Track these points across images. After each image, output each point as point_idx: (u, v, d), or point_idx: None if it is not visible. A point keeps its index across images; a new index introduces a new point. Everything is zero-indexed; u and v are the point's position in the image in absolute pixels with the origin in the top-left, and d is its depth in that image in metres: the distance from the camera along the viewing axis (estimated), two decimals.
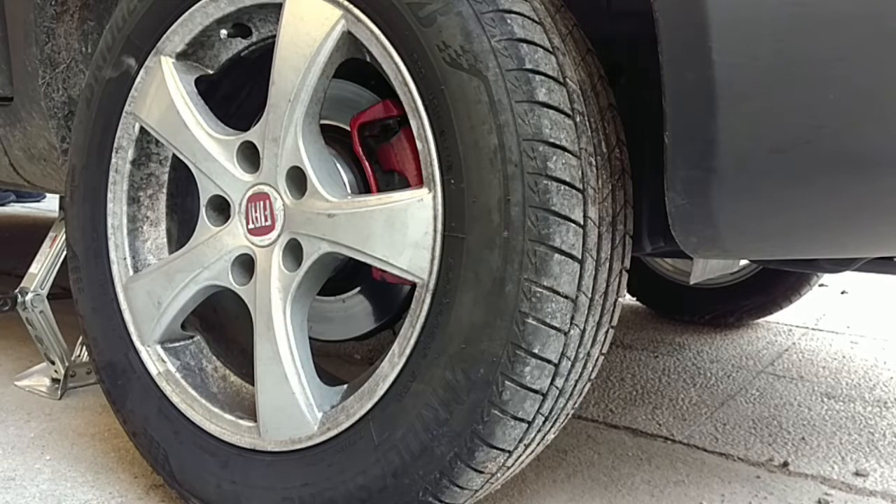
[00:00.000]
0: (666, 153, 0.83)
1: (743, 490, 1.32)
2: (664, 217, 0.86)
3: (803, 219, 0.83)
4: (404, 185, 1.06)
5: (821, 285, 3.00)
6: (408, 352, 0.95)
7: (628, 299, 2.58)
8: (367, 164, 1.09)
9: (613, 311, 1.01)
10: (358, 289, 1.22)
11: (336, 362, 1.94)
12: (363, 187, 1.10)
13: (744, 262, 2.20)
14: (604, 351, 1.03)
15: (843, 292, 2.98)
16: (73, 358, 1.68)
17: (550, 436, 1.03)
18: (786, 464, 1.42)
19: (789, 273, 2.24)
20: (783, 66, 0.77)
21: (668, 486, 1.32)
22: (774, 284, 2.30)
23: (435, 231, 0.92)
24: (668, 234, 0.93)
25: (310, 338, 1.09)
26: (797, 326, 2.46)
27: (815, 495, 1.31)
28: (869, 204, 0.81)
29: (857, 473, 1.40)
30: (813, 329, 2.44)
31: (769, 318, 2.47)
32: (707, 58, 0.77)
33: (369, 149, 1.10)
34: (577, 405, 1.03)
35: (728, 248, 0.87)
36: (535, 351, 0.89)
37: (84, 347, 1.68)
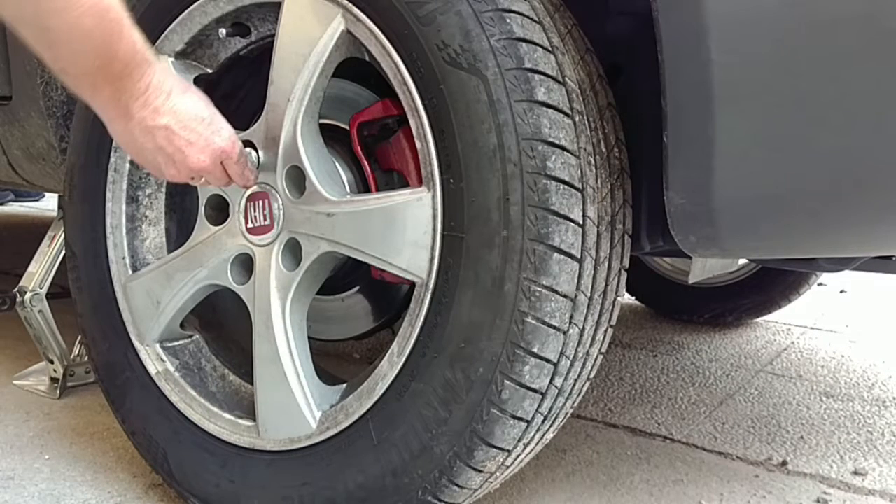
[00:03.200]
0: (666, 153, 0.83)
1: (742, 489, 1.32)
2: (663, 216, 0.86)
3: (803, 218, 0.83)
4: (403, 184, 1.06)
5: (819, 284, 2.99)
6: (407, 351, 0.95)
7: (628, 299, 2.58)
8: (366, 163, 1.09)
9: (612, 310, 1.01)
10: (357, 288, 1.22)
11: (335, 362, 1.93)
12: (362, 186, 1.10)
13: (743, 261, 2.20)
14: (603, 350, 1.03)
15: (841, 291, 2.98)
16: (71, 357, 1.67)
17: (549, 435, 1.03)
18: (784, 463, 1.42)
19: (788, 272, 2.24)
20: (783, 65, 0.77)
21: (666, 485, 1.32)
22: (773, 284, 2.30)
23: (434, 230, 0.92)
24: (667, 233, 0.93)
25: (309, 337, 1.09)
26: (796, 325, 2.46)
27: (814, 494, 1.31)
28: (869, 203, 0.81)
29: (855, 472, 1.40)
30: (812, 328, 2.44)
31: (768, 317, 2.47)
32: (707, 58, 0.77)
33: (368, 148, 1.10)
34: (576, 404, 1.03)
35: (727, 248, 0.87)
36: (535, 350, 0.89)
37: (83, 347, 1.68)
